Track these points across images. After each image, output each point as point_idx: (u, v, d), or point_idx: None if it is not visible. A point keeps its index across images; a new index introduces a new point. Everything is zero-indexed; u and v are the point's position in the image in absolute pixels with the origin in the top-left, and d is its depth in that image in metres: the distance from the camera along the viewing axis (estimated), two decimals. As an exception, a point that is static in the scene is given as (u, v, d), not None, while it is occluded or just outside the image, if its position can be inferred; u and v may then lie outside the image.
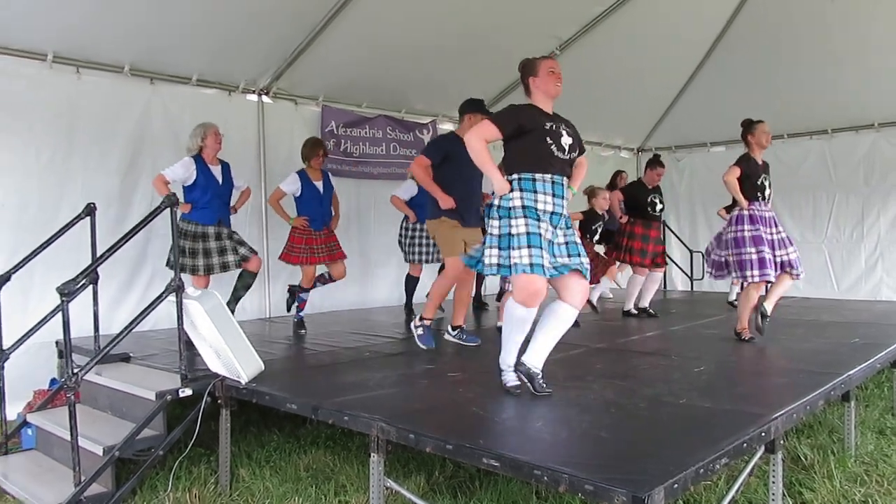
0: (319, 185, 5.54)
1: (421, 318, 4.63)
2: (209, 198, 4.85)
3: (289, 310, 5.72)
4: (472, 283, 4.93)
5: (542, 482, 2.27)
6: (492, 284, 7.49)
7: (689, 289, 9.83)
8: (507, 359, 3.35)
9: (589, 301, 5.82)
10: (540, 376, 3.24)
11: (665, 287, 9.77)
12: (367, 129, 7.44)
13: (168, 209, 3.70)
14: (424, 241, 6.31)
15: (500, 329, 3.48)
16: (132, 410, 3.74)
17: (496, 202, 3.28)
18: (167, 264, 4.88)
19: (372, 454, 2.86)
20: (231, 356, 3.52)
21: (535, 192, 3.21)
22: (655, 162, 6.40)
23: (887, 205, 8.48)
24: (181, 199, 4.76)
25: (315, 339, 5.19)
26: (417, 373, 3.99)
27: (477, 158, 3.32)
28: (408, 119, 7.79)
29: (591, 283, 3.78)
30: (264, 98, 6.64)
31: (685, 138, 9.99)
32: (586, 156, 3.60)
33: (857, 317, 6.23)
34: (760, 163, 4.82)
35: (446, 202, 4.44)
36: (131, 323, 3.47)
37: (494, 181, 3.27)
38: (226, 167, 5.01)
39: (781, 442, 2.85)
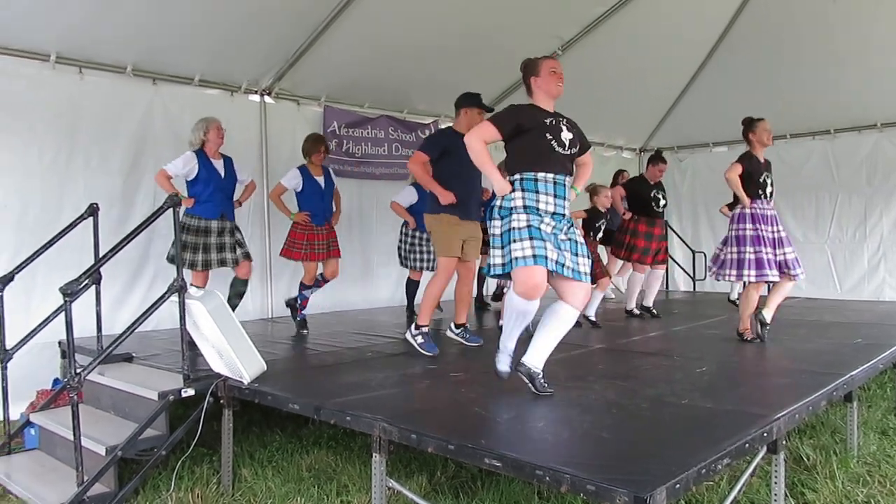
0: (321, 180, 5.55)
1: (417, 327, 4.49)
2: (211, 191, 4.85)
3: (295, 318, 5.70)
4: (472, 280, 4.89)
5: (544, 482, 2.27)
6: (492, 284, 7.49)
7: (692, 289, 9.82)
8: (507, 343, 3.38)
9: (585, 316, 5.76)
10: (541, 376, 3.24)
11: (667, 287, 9.76)
12: (369, 129, 7.45)
13: (170, 209, 3.71)
14: (424, 248, 6.30)
15: (500, 328, 3.48)
16: (135, 410, 3.75)
17: (497, 203, 3.28)
18: (167, 258, 4.90)
19: (374, 454, 2.87)
20: (233, 356, 3.53)
21: (537, 192, 3.20)
22: (657, 158, 6.38)
23: (890, 205, 8.46)
24: (184, 194, 4.79)
25: (317, 340, 5.19)
26: (419, 373, 3.99)
27: (477, 160, 3.34)
28: (410, 119, 7.80)
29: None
30: (266, 98, 6.66)
31: (687, 138, 9.99)
32: (589, 155, 3.60)
33: (859, 317, 6.22)
34: (762, 160, 4.82)
35: (447, 197, 4.37)
36: (134, 323, 3.47)
37: (495, 182, 3.27)
38: (228, 161, 5.01)
39: (784, 442, 2.85)
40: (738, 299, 6.46)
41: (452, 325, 4.85)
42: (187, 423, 3.60)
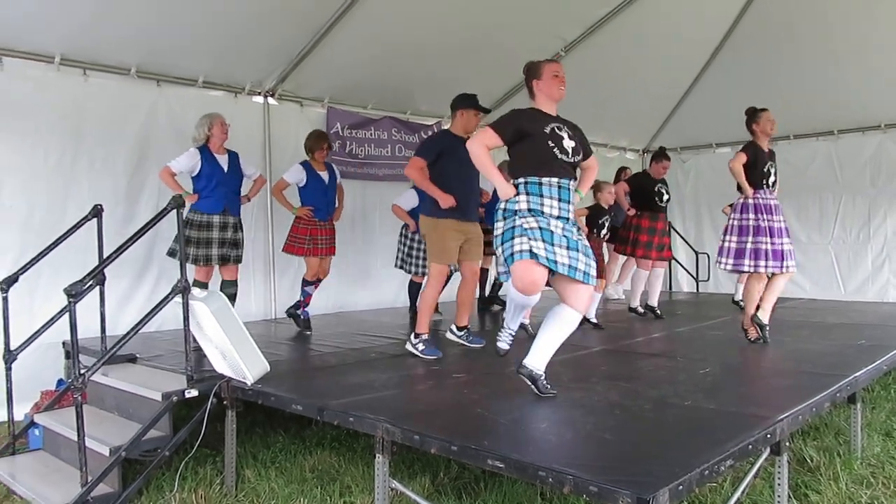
0: (324, 175, 5.57)
1: (416, 335, 4.45)
2: (214, 186, 4.87)
3: (298, 324, 5.71)
4: (475, 282, 4.86)
5: (547, 483, 2.27)
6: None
7: (695, 290, 9.80)
8: (510, 323, 3.51)
9: (586, 318, 5.74)
10: (543, 378, 3.24)
11: (670, 288, 9.75)
12: (372, 130, 7.45)
13: (174, 210, 3.72)
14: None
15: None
16: (138, 411, 3.76)
17: (502, 205, 3.28)
18: (167, 252, 4.92)
19: (377, 455, 2.87)
20: (237, 357, 3.54)
21: (542, 196, 3.20)
22: (661, 155, 6.37)
23: (894, 206, 8.44)
24: (189, 190, 4.83)
25: (320, 341, 5.20)
26: (422, 374, 3.99)
27: (480, 165, 3.35)
28: (413, 120, 7.80)
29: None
30: (270, 100, 6.67)
31: (691, 139, 9.97)
32: (594, 159, 3.59)
33: (863, 318, 6.21)
34: (767, 150, 4.81)
35: (446, 201, 4.35)
36: (138, 324, 3.48)
37: (498, 186, 3.28)
38: (233, 156, 5.03)
39: (787, 444, 2.85)
40: (741, 300, 6.45)
41: (454, 328, 4.83)
42: (191, 423, 3.60)
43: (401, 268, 6.51)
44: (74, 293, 3.17)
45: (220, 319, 3.50)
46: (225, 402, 3.70)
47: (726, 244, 4.81)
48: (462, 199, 4.42)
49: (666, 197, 6.31)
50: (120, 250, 3.55)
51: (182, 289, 3.55)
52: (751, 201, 4.74)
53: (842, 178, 8.82)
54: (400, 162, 7.57)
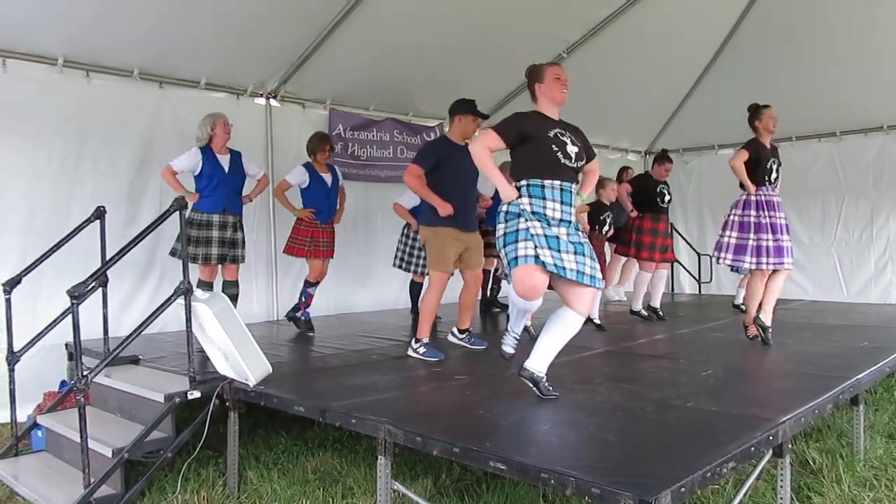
0: (327, 177, 5.58)
1: (417, 340, 4.46)
2: (214, 185, 4.88)
3: (299, 326, 5.72)
4: (478, 288, 4.85)
5: (549, 485, 2.27)
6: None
7: (697, 291, 9.79)
8: (514, 328, 3.54)
9: (589, 318, 5.74)
10: (544, 380, 3.25)
11: (672, 290, 9.74)
12: (374, 132, 7.46)
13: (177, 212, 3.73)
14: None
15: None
16: (141, 413, 3.77)
17: (504, 208, 3.28)
18: (170, 252, 4.94)
19: (379, 457, 2.87)
20: (239, 359, 3.54)
21: (544, 198, 3.20)
22: (663, 157, 6.37)
23: (897, 207, 8.43)
24: (191, 190, 4.85)
25: (322, 342, 5.20)
26: (424, 376, 3.99)
27: (482, 168, 3.36)
28: (415, 122, 7.81)
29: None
30: (272, 102, 6.68)
31: (693, 141, 9.96)
32: (596, 163, 3.60)
33: (865, 320, 6.20)
34: (769, 146, 4.81)
35: (445, 209, 4.34)
36: (140, 325, 3.49)
37: (501, 188, 3.27)
38: (235, 156, 5.05)
39: (790, 446, 2.85)
40: (742, 303, 6.45)
41: (456, 330, 4.83)
42: (193, 425, 3.61)
43: (399, 267, 6.48)
44: (77, 295, 3.18)
45: (222, 321, 3.51)
46: (227, 404, 3.70)
47: (726, 239, 4.81)
48: (460, 208, 4.41)
49: (668, 198, 6.31)
50: (123, 252, 3.56)
51: (184, 290, 3.56)
52: (753, 198, 4.73)
53: (844, 179, 8.81)
54: (402, 163, 7.56)
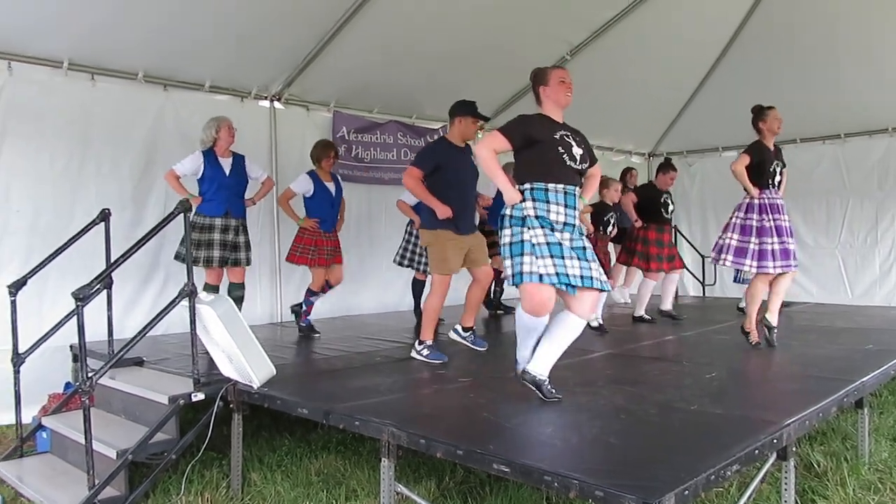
0: (331, 186, 5.59)
1: (421, 342, 4.46)
2: (216, 188, 4.91)
3: (298, 324, 5.73)
4: (487, 283, 4.80)
5: (553, 488, 2.27)
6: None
7: (701, 294, 9.77)
8: (523, 352, 3.38)
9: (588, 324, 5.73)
10: (547, 383, 3.24)
11: (677, 292, 9.70)
12: (378, 134, 7.47)
13: (181, 215, 3.74)
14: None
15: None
16: (145, 414, 3.78)
17: (507, 212, 3.27)
18: (175, 256, 4.96)
19: (383, 459, 2.87)
20: (243, 361, 3.54)
21: (548, 202, 3.20)
22: (668, 166, 6.37)
23: (902, 210, 8.40)
24: (195, 193, 4.88)
25: (326, 344, 5.20)
26: (428, 378, 3.99)
27: (486, 169, 3.33)
28: (418, 125, 7.82)
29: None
30: (276, 104, 6.69)
31: (697, 143, 9.95)
32: (598, 167, 3.59)
33: (870, 323, 6.18)
34: (772, 149, 4.79)
35: (444, 212, 4.31)
36: (145, 327, 3.50)
37: (505, 191, 3.27)
38: (238, 159, 5.06)
39: (794, 449, 2.84)
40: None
41: (459, 328, 4.79)
42: (197, 427, 3.62)
43: (400, 264, 6.47)
44: (82, 297, 3.19)
45: (226, 323, 3.51)
46: (231, 406, 3.71)
47: (727, 241, 4.79)
48: (458, 211, 4.39)
49: (671, 208, 6.33)
50: (127, 254, 3.57)
51: (188, 292, 3.57)
52: (756, 201, 4.72)
53: (849, 181, 8.77)
54: (405, 166, 7.49)
